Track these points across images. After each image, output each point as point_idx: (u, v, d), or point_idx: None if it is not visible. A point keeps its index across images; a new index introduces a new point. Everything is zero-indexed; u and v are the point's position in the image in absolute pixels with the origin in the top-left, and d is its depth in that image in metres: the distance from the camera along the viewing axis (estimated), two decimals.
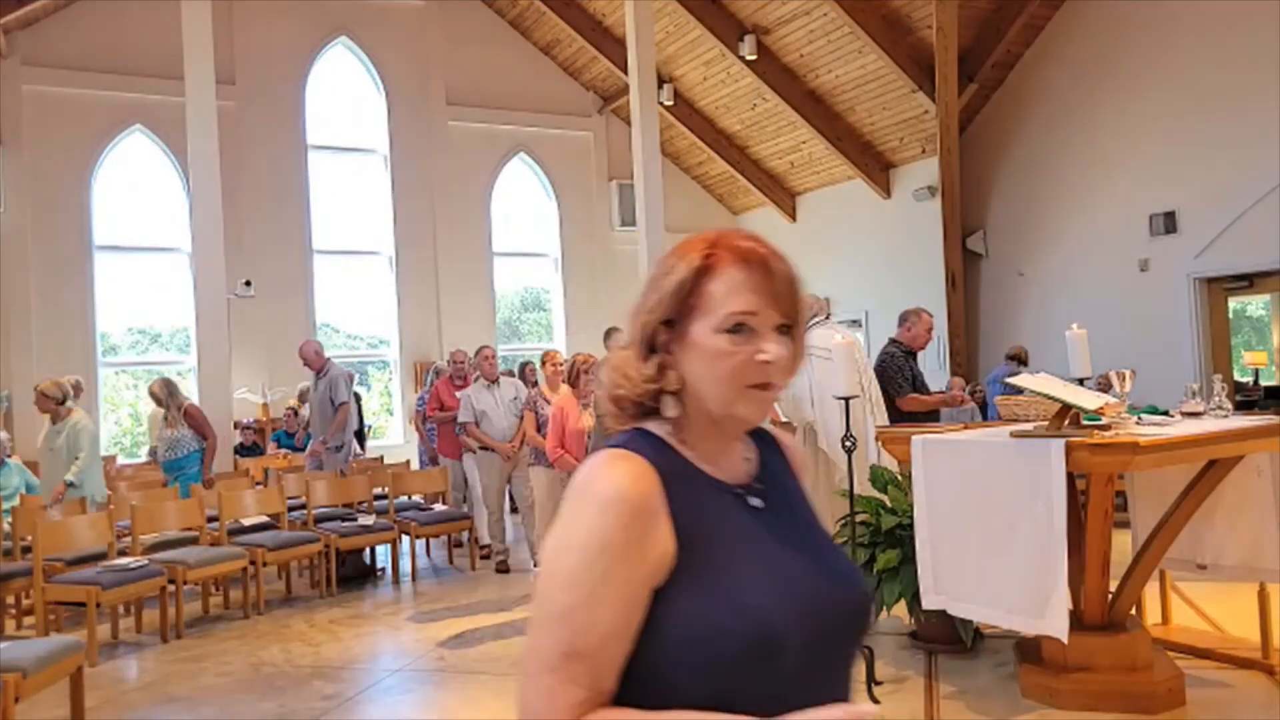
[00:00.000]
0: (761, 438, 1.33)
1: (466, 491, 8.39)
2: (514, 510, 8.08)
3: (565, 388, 6.12)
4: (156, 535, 6.37)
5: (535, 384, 7.93)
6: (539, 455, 6.23)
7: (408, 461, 9.35)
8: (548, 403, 6.29)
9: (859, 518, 4.57)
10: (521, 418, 7.02)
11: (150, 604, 5.89)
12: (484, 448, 7.24)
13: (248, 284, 11.63)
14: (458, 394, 8.25)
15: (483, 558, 7.66)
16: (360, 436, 10.84)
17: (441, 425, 8.42)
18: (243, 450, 10.28)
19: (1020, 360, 9.40)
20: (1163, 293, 9.95)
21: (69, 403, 6.81)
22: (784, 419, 5.64)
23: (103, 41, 11.54)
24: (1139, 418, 4.05)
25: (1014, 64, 11.34)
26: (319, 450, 7.90)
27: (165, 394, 7.34)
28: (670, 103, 13.23)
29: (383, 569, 7.51)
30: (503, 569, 7.22)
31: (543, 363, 6.72)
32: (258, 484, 8.05)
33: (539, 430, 6.30)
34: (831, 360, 5.21)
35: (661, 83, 12.36)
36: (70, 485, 6.53)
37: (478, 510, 7.86)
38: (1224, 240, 9.38)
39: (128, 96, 11.60)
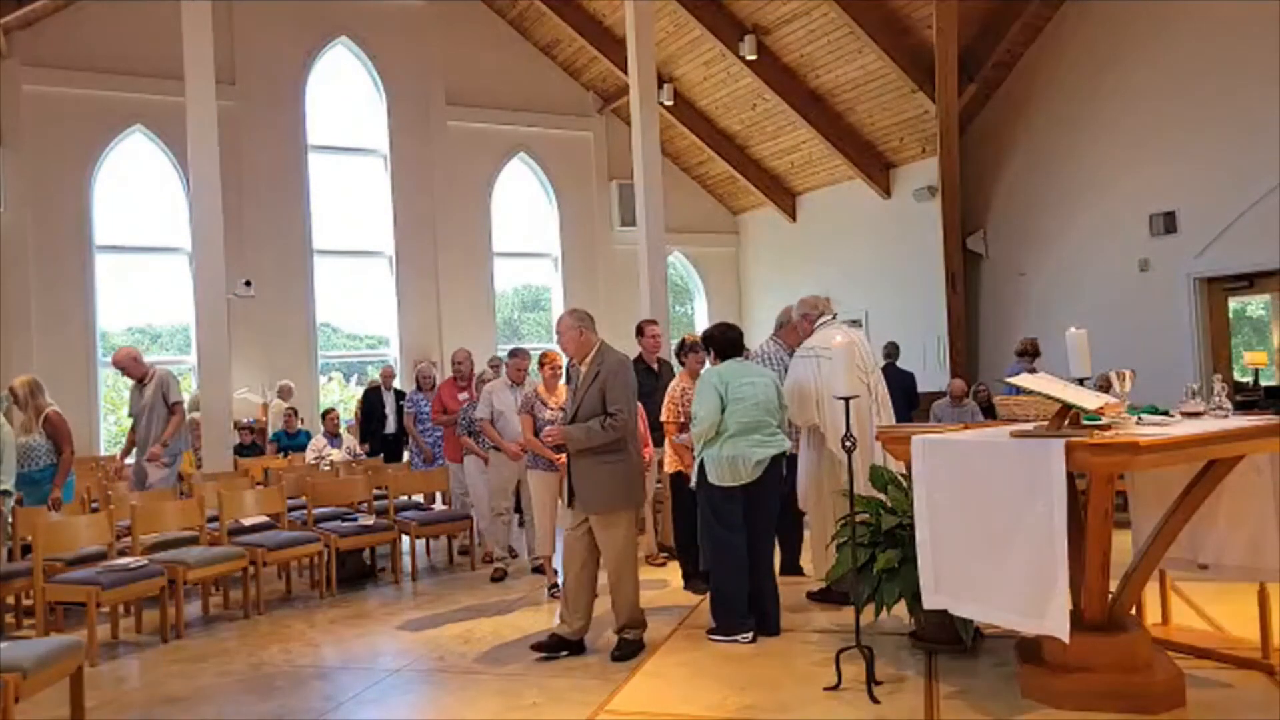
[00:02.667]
0: None
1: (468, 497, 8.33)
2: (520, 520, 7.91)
3: (563, 387, 6.11)
4: (156, 535, 6.36)
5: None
6: (536, 458, 6.17)
7: (408, 462, 9.33)
8: (545, 405, 6.23)
9: (859, 518, 4.57)
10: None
11: (150, 604, 5.88)
12: (495, 448, 7.09)
13: (248, 284, 11.64)
14: (461, 394, 8.17)
15: (484, 561, 7.63)
16: (398, 440, 10.26)
17: (447, 429, 8.29)
18: (242, 450, 10.28)
19: (1029, 353, 9.27)
20: (1163, 293, 9.95)
21: None
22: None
23: (103, 41, 11.55)
24: (1139, 418, 4.04)
25: (1014, 64, 11.34)
26: (158, 453, 7.12)
27: (26, 394, 6.50)
28: (670, 103, 13.24)
29: (383, 569, 7.51)
30: (499, 577, 6.95)
31: (541, 364, 6.54)
32: (258, 484, 8.04)
33: (536, 433, 6.16)
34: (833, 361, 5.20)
35: (661, 83, 12.36)
36: (5, 493, 5.76)
37: (479, 515, 7.73)
38: (1224, 240, 9.38)
39: (128, 96, 11.61)
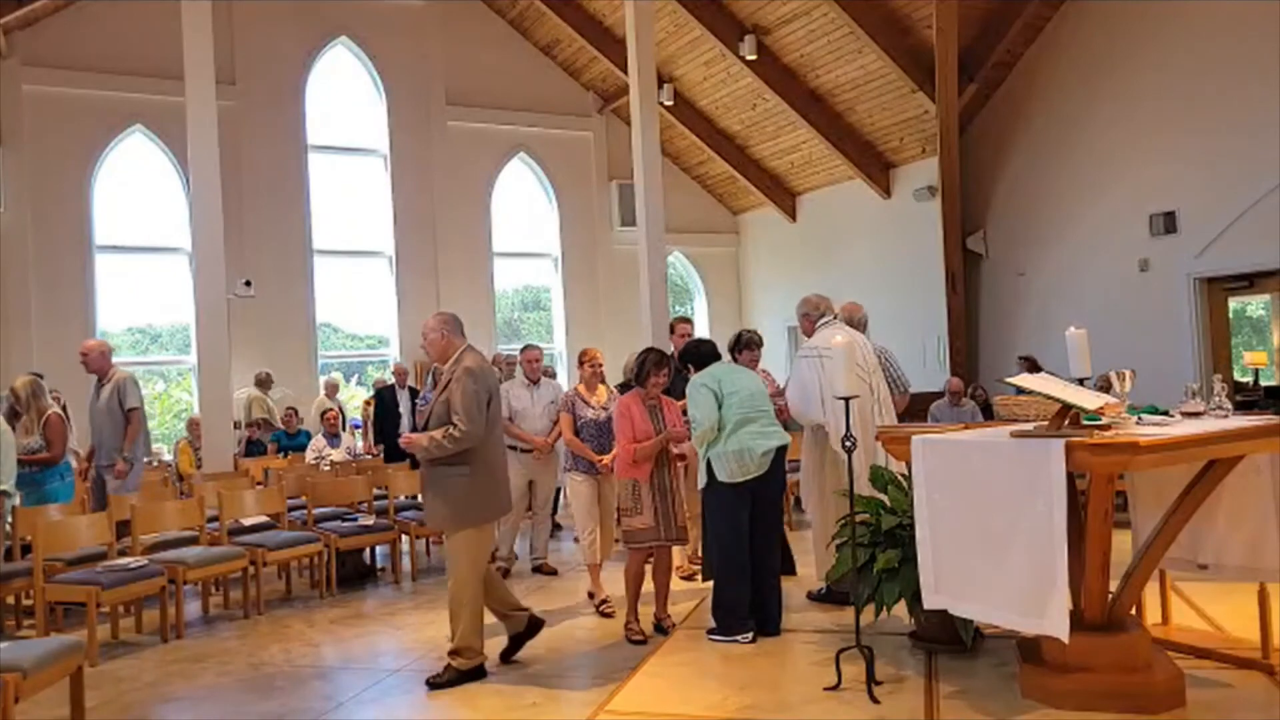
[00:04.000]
0: None
1: None
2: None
3: (604, 387, 6.08)
4: (156, 535, 6.36)
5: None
6: (576, 460, 5.97)
7: (408, 461, 9.32)
8: (587, 404, 6.03)
9: (859, 518, 4.57)
10: (556, 421, 6.64)
11: (150, 604, 5.89)
12: (510, 446, 6.68)
13: (248, 284, 11.63)
14: (506, 388, 7.79)
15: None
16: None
17: None
18: (250, 448, 10.28)
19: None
20: (1163, 293, 9.95)
21: None
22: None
23: (103, 41, 11.54)
24: (1139, 418, 4.04)
25: (1014, 64, 11.34)
26: (124, 470, 6.79)
27: (29, 395, 6.48)
28: (670, 103, 13.23)
29: (383, 569, 7.51)
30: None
31: (580, 362, 6.26)
32: (258, 484, 8.04)
33: (576, 433, 5.99)
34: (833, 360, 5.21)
35: (661, 83, 12.35)
36: (5, 494, 5.71)
37: None
38: (1224, 240, 9.38)
39: (128, 96, 11.61)
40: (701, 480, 5.09)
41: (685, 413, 5.33)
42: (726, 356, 6.17)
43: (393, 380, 10.56)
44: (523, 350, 7.09)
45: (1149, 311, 10.00)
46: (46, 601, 5.40)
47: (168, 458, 10.60)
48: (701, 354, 5.34)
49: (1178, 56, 9.69)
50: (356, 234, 13.31)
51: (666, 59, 12.92)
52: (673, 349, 6.92)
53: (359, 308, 13.65)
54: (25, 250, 11.16)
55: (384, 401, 10.15)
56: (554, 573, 6.95)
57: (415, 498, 8.31)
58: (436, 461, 4.52)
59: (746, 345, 6.15)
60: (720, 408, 4.97)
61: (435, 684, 4.48)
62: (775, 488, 5.11)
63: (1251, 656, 4.10)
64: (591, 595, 5.92)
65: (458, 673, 4.51)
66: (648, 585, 5.29)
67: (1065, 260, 10.93)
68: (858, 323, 6.33)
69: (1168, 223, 9.86)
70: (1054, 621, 3.49)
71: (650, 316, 9.82)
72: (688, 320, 7.39)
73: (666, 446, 5.29)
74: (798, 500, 6.90)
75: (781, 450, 5.05)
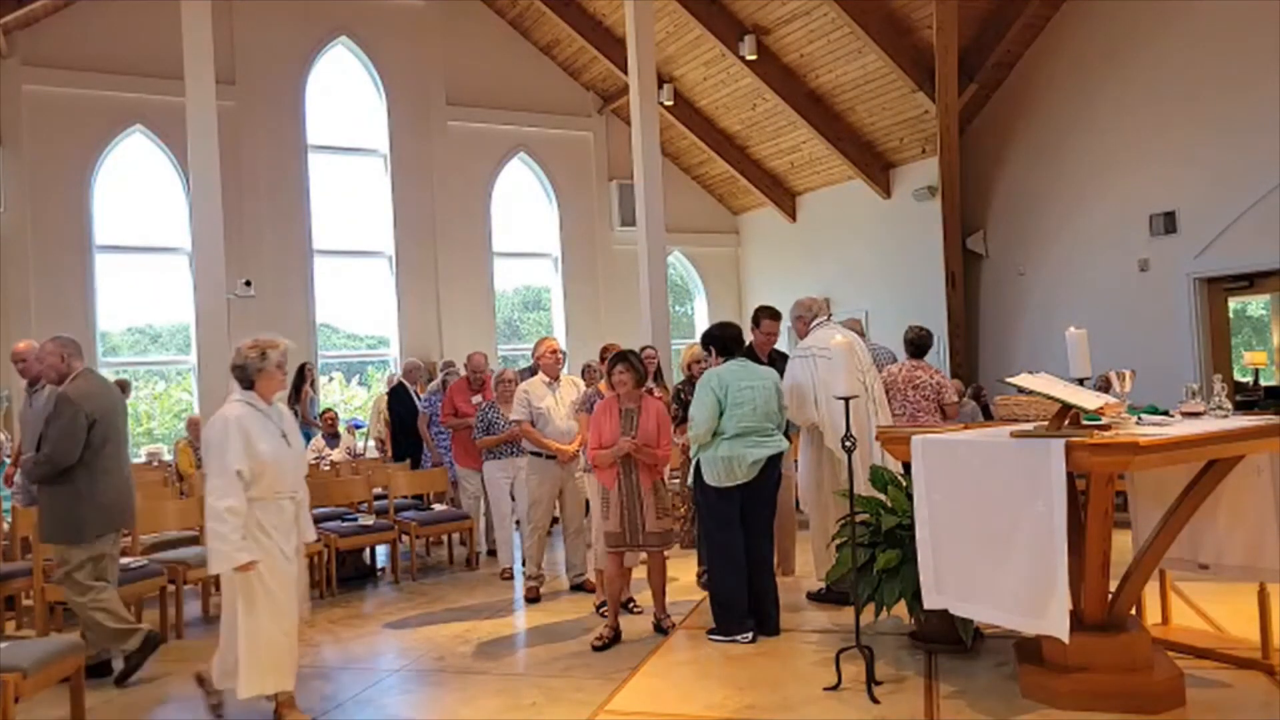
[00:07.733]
0: None
1: (486, 505, 7.91)
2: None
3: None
4: (156, 535, 6.36)
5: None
6: None
7: (408, 462, 9.32)
8: None
9: (859, 518, 4.57)
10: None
11: (150, 604, 5.89)
12: (535, 453, 6.41)
13: (248, 284, 11.62)
14: (525, 388, 6.81)
15: (502, 578, 7.13)
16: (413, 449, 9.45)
17: (456, 433, 8.04)
18: None
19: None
20: (1163, 293, 9.95)
21: None
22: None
23: (103, 41, 11.54)
24: (1139, 418, 4.05)
25: (1014, 64, 11.33)
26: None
27: None
28: (670, 103, 13.23)
29: (383, 569, 7.51)
30: (533, 597, 6.33)
31: (601, 359, 6.04)
32: None
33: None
34: (832, 360, 5.21)
35: (661, 83, 12.35)
36: None
37: (497, 525, 7.35)
38: (1224, 240, 9.38)
39: (128, 96, 11.60)
40: (691, 477, 5.08)
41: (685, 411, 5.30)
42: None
43: (400, 379, 10.39)
44: (536, 345, 6.59)
45: (1149, 311, 10.00)
46: (46, 601, 5.40)
47: (168, 458, 10.60)
48: (725, 338, 5.24)
49: (1178, 57, 9.69)
50: (356, 234, 13.30)
51: (666, 59, 12.92)
52: (751, 341, 6.22)
53: (359, 308, 13.64)
54: (25, 250, 11.16)
55: (402, 400, 9.93)
56: (595, 591, 6.70)
57: (415, 498, 8.34)
58: (44, 480, 4.75)
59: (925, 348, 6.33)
60: (721, 415, 4.94)
61: (123, 677, 4.74)
62: (767, 489, 5.08)
63: (1251, 656, 4.10)
64: (598, 607, 5.79)
65: (126, 656, 4.75)
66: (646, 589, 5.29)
67: (1065, 260, 10.93)
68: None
69: (1168, 223, 9.86)
70: (1054, 621, 3.49)
71: (650, 316, 9.82)
72: (774, 315, 6.24)
73: (634, 453, 5.12)
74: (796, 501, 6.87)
75: (774, 458, 5.01)
